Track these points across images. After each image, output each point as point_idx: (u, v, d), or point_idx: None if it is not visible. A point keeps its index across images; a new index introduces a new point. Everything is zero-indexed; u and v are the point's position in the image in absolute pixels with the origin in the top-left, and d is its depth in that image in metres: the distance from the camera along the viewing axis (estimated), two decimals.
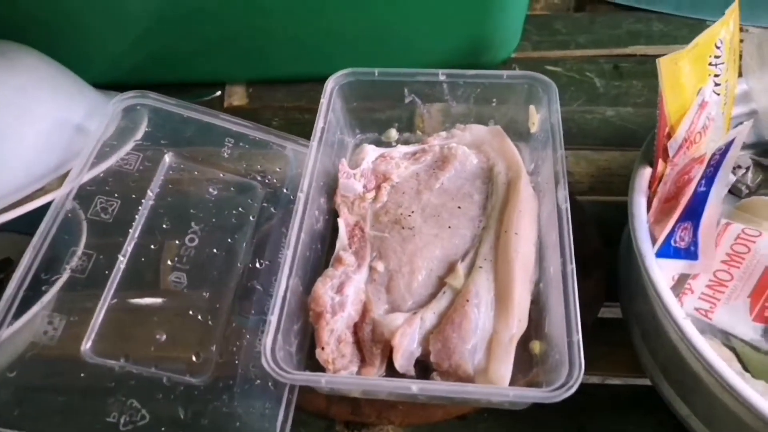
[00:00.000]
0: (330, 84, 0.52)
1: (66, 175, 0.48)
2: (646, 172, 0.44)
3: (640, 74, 0.67)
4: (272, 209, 0.49)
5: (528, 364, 0.42)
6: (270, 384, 0.41)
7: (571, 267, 0.40)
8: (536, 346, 0.42)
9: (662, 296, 0.37)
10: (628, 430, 0.43)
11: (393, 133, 0.56)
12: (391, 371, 0.42)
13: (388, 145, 0.56)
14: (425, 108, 0.55)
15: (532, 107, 0.52)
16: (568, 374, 0.36)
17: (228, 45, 0.63)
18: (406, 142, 0.55)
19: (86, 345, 0.39)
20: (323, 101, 0.51)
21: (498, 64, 0.67)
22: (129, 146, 0.49)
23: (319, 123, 0.49)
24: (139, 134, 0.49)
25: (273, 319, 0.39)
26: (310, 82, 0.69)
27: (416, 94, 0.54)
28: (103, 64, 0.65)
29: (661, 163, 0.43)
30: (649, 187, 0.42)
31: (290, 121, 0.66)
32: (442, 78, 0.52)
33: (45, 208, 0.46)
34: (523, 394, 0.35)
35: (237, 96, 0.68)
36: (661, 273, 0.38)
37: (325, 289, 0.42)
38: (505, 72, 0.52)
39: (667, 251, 0.40)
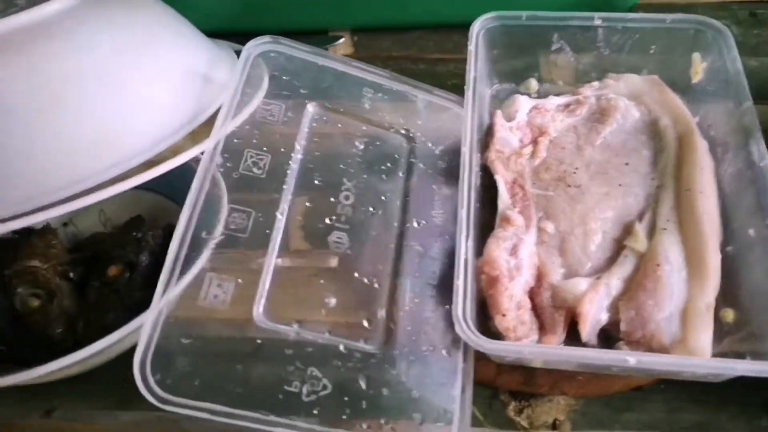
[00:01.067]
0: (476, 28, 0.48)
1: (195, 132, 0.45)
2: None
3: None
4: (421, 164, 0.46)
5: (718, 332, 0.39)
6: (444, 351, 0.39)
7: None
8: (728, 315, 0.39)
9: None
10: None
11: (533, 84, 0.52)
12: (570, 339, 0.39)
13: (527, 96, 0.52)
14: (562, 56, 0.51)
15: (696, 55, 0.48)
16: None
17: None
18: (547, 94, 0.51)
19: (258, 309, 0.37)
20: (471, 48, 0.47)
21: (626, 11, 0.62)
22: (266, 96, 0.45)
23: (471, 71, 0.45)
24: (274, 83, 0.46)
25: (460, 284, 0.36)
26: (417, 29, 0.65)
27: (566, 40, 0.49)
28: (204, 10, 0.61)
29: None
30: None
31: (403, 72, 0.61)
32: (597, 22, 0.48)
33: (178, 171, 0.43)
34: (757, 368, 0.32)
35: (342, 45, 0.64)
36: None
37: (499, 251, 0.39)
38: (669, 16, 0.47)
39: None
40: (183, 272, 0.36)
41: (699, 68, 0.47)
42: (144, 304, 0.42)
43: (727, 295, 0.40)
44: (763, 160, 0.39)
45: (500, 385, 0.41)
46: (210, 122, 0.45)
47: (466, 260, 0.37)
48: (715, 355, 0.38)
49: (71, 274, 0.43)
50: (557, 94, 0.50)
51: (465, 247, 0.37)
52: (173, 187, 0.46)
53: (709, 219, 0.40)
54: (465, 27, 0.51)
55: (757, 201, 0.38)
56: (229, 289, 0.36)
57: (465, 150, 0.41)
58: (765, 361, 0.33)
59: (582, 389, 0.40)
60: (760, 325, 0.37)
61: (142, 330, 0.34)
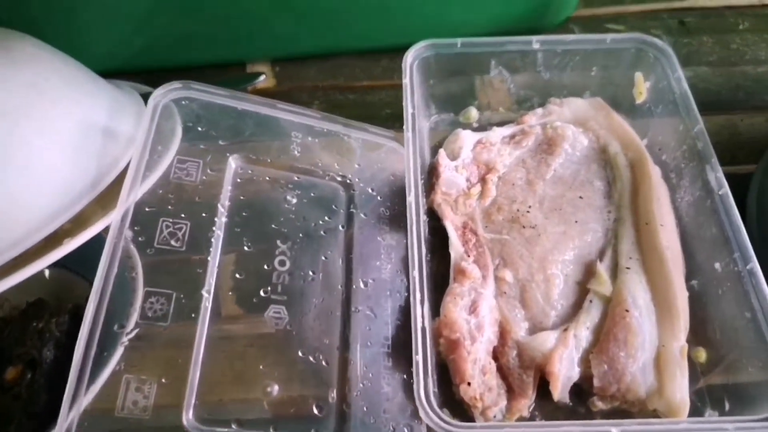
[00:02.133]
0: (409, 59, 0.44)
1: (101, 196, 0.39)
2: None
3: (708, 29, 0.62)
4: (362, 214, 0.41)
5: (691, 373, 0.36)
6: (406, 430, 0.34)
7: (753, 265, 0.34)
8: (701, 354, 0.37)
9: None
10: None
11: (473, 113, 0.48)
12: (540, 397, 0.36)
13: (467, 126, 0.48)
14: (501, 82, 0.48)
15: (639, 74, 0.45)
16: None
17: (247, 16, 0.54)
18: (487, 123, 0.48)
19: (188, 413, 0.31)
20: (406, 81, 0.43)
21: (558, 26, 0.60)
22: (176, 151, 0.40)
23: (408, 108, 0.41)
24: (189, 135, 0.40)
25: (419, 359, 0.32)
26: (341, 56, 0.60)
27: (504, 66, 0.46)
28: (98, 48, 0.55)
29: None
30: None
31: (332, 104, 0.57)
32: (536, 46, 0.45)
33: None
34: (747, 427, 0.30)
35: (262, 77, 0.59)
36: None
37: (458, 311, 0.35)
38: (609, 36, 0.45)
39: None
40: (93, 376, 0.31)
41: (642, 88, 0.45)
42: (52, 411, 0.36)
43: (697, 333, 0.37)
44: (722, 188, 0.37)
45: None
46: (120, 182, 0.39)
47: (423, 329, 0.33)
48: (690, 396, 0.35)
49: None
50: (499, 123, 0.47)
51: (421, 314, 0.33)
52: (80, 260, 0.40)
53: (672, 254, 0.38)
54: (393, 51, 0.47)
55: (721, 232, 0.36)
56: (150, 392, 0.31)
57: (411, 200, 0.37)
58: (748, 417, 0.30)
59: None
60: (734, 362, 0.35)
61: None
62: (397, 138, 0.47)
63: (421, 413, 0.30)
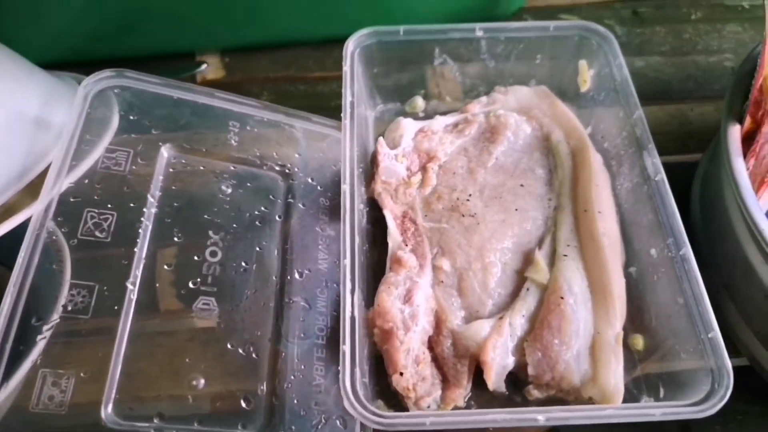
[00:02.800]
0: (350, 47, 0.43)
1: (33, 185, 0.38)
2: (736, 131, 0.38)
3: (662, 19, 0.62)
4: (300, 204, 0.41)
5: (628, 361, 0.36)
6: (339, 422, 0.34)
7: (685, 250, 0.34)
8: (638, 341, 0.37)
9: None
10: (736, 419, 0.39)
11: (419, 102, 0.48)
12: (476, 386, 0.35)
13: (413, 116, 0.48)
14: (447, 71, 0.48)
15: (582, 62, 0.45)
16: (714, 381, 0.30)
17: (196, 4, 0.53)
18: (434, 112, 0.47)
19: (107, 408, 0.30)
20: (346, 68, 0.42)
21: (510, 16, 0.59)
22: (109, 141, 0.39)
23: (347, 96, 0.41)
24: (121, 124, 0.39)
25: (346, 349, 0.31)
26: (294, 47, 0.59)
27: (449, 54, 0.46)
28: (38, 39, 0.53)
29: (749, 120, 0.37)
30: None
31: (282, 95, 0.56)
32: (479, 33, 0.45)
33: (14, 231, 0.36)
34: (673, 412, 0.30)
35: (211, 69, 0.58)
36: None
37: (391, 300, 0.35)
38: (552, 23, 0.45)
39: None
40: (8, 373, 0.30)
41: (586, 76, 0.45)
42: None
43: (635, 320, 0.37)
44: (658, 174, 0.37)
45: None
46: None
47: (352, 318, 0.32)
48: (627, 383, 0.35)
49: None
50: (445, 112, 0.47)
51: (350, 304, 0.32)
52: (8, 252, 0.38)
53: (609, 241, 0.37)
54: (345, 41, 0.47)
55: (656, 218, 0.36)
56: (68, 386, 0.30)
57: (345, 188, 0.36)
58: (677, 402, 0.30)
59: None
60: (669, 349, 0.35)
61: None
62: (341, 128, 0.46)
63: (346, 403, 0.30)
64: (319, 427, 0.33)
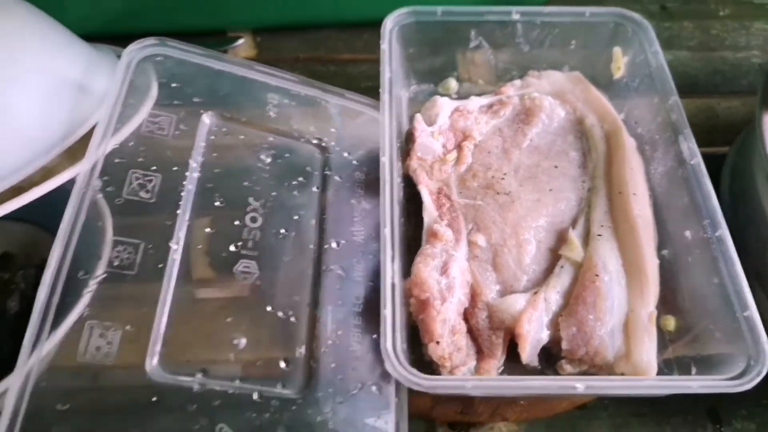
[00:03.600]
0: (388, 25, 0.44)
1: (72, 149, 0.39)
2: None
3: (690, 15, 0.62)
4: (336, 177, 0.41)
5: (660, 341, 0.36)
6: (374, 387, 0.34)
7: (722, 231, 0.34)
8: (669, 322, 0.37)
9: None
10: (762, 404, 0.39)
11: (453, 84, 0.48)
12: (509, 359, 0.36)
13: (446, 97, 0.48)
14: (481, 53, 0.48)
15: (617, 49, 0.46)
16: (751, 357, 0.30)
17: None
18: (467, 94, 0.48)
19: (152, 360, 0.31)
20: (384, 46, 0.43)
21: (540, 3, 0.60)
22: (152, 106, 0.39)
23: (386, 72, 0.41)
24: (163, 91, 0.40)
25: (387, 313, 0.32)
26: (324, 29, 0.60)
27: (484, 37, 0.46)
28: (78, 11, 0.54)
29: None
30: None
31: (312, 75, 0.56)
32: (516, 17, 0.45)
33: (52, 194, 0.36)
34: (710, 385, 0.30)
35: (243, 47, 0.58)
36: None
37: (428, 271, 0.35)
38: (588, 9, 0.45)
39: None
40: (56, 323, 0.30)
41: (621, 63, 0.46)
42: (13, 361, 0.35)
43: (667, 301, 0.38)
44: (694, 158, 0.38)
45: (437, 417, 0.38)
46: (89, 139, 0.38)
47: (393, 285, 0.32)
48: (659, 364, 0.36)
49: None
50: (478, 95, 0.47)
51: (391, 271, 0.33)
52: (49, 215, 0.39)
53: (643, 222, 0.38)
54: (376, 25, 0.47)
55: (691, 201, 0.37)
56: (114, 338, 0.30)
57: (384, 160, 0.37)
58: (713, 376, 0.31)
59: (525, 413, 0.37)
60: (702, 330, 0.36)
61: (7, 399, 0.27)
62: (374, 106, 0.46)
63: (387, 365, 0.30)
64: (355, 392, 0.34)
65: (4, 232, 0.41)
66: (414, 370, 0.30)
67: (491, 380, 0.33)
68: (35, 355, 0.29)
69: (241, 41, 0.55)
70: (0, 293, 0.36)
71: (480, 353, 0.35)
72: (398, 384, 0.34)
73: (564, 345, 0.35)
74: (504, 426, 0.38)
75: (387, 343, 0.30)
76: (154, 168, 0.36)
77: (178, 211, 0.35)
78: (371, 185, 0.42)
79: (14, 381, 0.28)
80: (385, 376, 0.34)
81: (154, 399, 0.30)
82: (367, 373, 0.35)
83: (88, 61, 0.43)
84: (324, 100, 0.44)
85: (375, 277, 0.38)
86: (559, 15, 0.45)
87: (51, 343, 0.29)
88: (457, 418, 0.37)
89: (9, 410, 0.27)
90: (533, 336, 0.35)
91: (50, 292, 0.30)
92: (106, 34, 0.54)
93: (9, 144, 0.37)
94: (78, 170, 0.35)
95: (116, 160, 0.36)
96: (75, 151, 0.39)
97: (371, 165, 0.43)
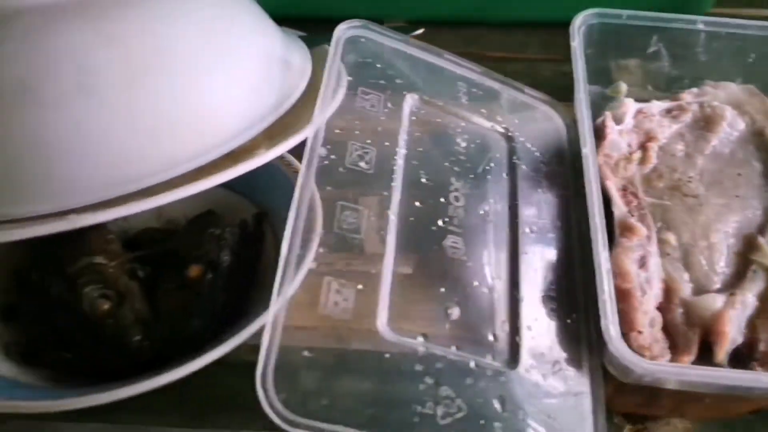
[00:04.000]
0: (577, 23, 0.45)
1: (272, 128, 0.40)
2: None
3: None
4: (523, 166, 0.42)
5: None
6: (571, 370, 0.35)
7: None
8: None
9: None
10: None
11: (623, 88, 0.49)
12: (698, 360, 0.36)
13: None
14: (656, 60, 0.49)
15: None
16: None
17: None
18: (636, 99, 0.49)
19: (382, 320, 0.32)
20: (575, 45, 0.44)
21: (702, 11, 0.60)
22: (362, 84, 0.41)
23: (578, 70, 0.42)
24: (368, 71, 0.42)
25: (606, 298, 0.33)
26: (478, 26, 0.61)
27: (664, 44, 0.47)
28: None
29: None
30: None
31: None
32: (700, 26, 0.46)
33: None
34: None
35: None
36: None
37: (630, 262, 0.36)
38: None
39: None
40: (297, 271, 0.32)
41: None
42: (229, 309, 0.37)
43: None
44: None
45: (614, 407, 0.38)
46: (287, 115, 0.41)
47: (608, 272, 0.34)
48: None
49: (140, 273, 0.38)
50: (647, 100, 0.48)
51: (604, 258, 0.34)
52: (240, 180, 0.41)
53: None
54: (527, 25, 0.47)
55: None
56: (349, 296, 0.32)
57: (586, 151, 0.38)
58: None
59: (706, 412, 0.38)
60: None
61: (263, 338, 0.29)
62: (549, 102, 0.48)
63: (611, 347, 0.31)
64: (554, 372, 0.35)
65: (206, 192, 0.43)
66: (638, 356, 0.31)
67: (715, 371, 0.34)
68: (281, 298, 0.31)
69: (420, 31, 0.57)
70: (213, 247, 0.38)
71: (674, 348, 0.36)
72: (591, 368, 0.36)
73: (762, 347, 0.35)
74: (680, 423, 0.38)
75: (610, 329, 0.31)
76: (369, 142, 0.38)
77: (392, 184, 0.37)
78: (552, 177, 0.43)
79: (267, 321, 0.30)
80: (574, 360, 0.36)
81: (386, 356, 0.31)
82: (562, 356, 0.36)
83: (284, 40, 0.46)
84: (503, 92, 0.46)
85: (559, 267, 0.39)
86: (746, 27, 0.46)
87: (294, 286, 0.31)
88: (635, 409, 0.38)
89: (264, 351, 0.29)
90: (732, 336, 0.35)
91: (291, 244, 0.32)
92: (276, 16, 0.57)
93: (227, 113, 0.39)
94: (301, 138, 0.37)
95: (336, 131, 0.37)
96: (273, 132, 0.41)
97: (552, 158, 0.44)
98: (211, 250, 0.38)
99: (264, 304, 0.37)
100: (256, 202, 0.44)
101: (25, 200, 0.33)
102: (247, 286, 0.39)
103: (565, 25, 0.45)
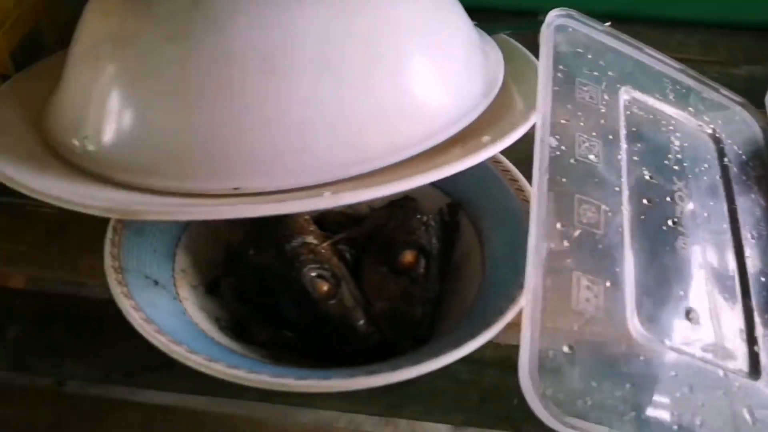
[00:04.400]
0: None
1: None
2: None
3: None
4: (734, 169, 0.41)
5: None
6: None
7: None
8: None
9: None
10: None
11: None
12: None
13: None
14: None
15: None
16: None
17: None
18: None
19: (633, 322, 0.31)
20: None
21: None
22: (577, 75, 0.40)
23: None
24: (582, 60, 0.40)
25: None
26: (636, 24, 0.59)
27: None
28: None
29: None
30: None
31: None
32: None
33: None
34: None
35: None
36: None
37: None
38: None
39: None
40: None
41: None
42: (442, 299, 0.37)
43: None
44: None
45: None
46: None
47: None
48: None
49: (347, 256, 0.37)
50: None
51: None
52: None
53: None
54: (689, 26, 0.46)
55: None
56: (599, 293, 0.31)
57: None
58: None
59: None
60: None
61: (522, 332, 0.28)
62: (744, 105, 0.46)
63: None
64: None
65: None
66: None
67: None
68: (533, 293, 0.30)
69: (607, 24, 0.55)
70: (423, 233, 0.38)
71: None
72: None
73: None
74: None
75: None
76: (594, 134, 0.36)
77: (621, 180, 0.36)
78: (760, 181, 0.41)
79: (525, 311, 0.29)
80: None
81: (641, 358, 0.30)
82: None
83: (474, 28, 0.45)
84: (704, 92, 0.44)
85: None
86: None
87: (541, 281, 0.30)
88: None
89: (527, 341, 0.28)
90: None
91: (536, 238, 0.31)
92: None
93: (452, 95, 0.38)
94: (507, 141, 0.36)
95: (561, 121, 0.36)
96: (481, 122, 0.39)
97: (754, 161, 0.43)
98: (420, 236, 0.37)
99: (458, 296, 0.37)
100: (446, 191, 0.43)
101: (273, 173, 0.33)
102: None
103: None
